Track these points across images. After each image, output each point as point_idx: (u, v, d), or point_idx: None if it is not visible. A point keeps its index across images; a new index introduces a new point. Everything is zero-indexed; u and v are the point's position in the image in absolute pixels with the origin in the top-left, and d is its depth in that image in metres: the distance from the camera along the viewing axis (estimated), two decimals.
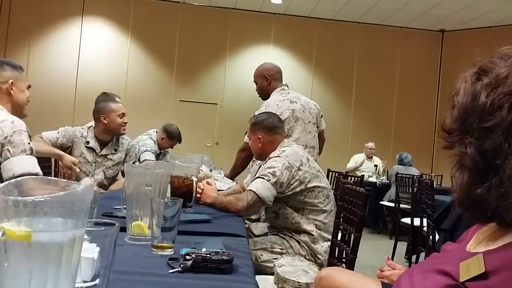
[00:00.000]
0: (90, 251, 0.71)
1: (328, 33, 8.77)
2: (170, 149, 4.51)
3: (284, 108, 2.93)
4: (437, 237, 2.70)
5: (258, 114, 2.40)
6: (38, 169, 1.90)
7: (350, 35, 8.84)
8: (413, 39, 8.95)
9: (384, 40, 8.89)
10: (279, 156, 2.12)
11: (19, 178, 0.60)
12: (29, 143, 1.90)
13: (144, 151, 4.03)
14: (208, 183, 2.24)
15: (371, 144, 7.32)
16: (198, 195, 2.09)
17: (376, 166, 7.25)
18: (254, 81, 3.20)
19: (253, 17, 8.63)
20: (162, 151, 4.41)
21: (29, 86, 2.14)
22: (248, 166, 3.26)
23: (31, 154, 1.91)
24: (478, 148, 0.71)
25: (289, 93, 3.08)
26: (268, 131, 2.28)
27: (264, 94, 3.16)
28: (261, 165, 2.28)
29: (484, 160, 0.71)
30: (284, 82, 3.19)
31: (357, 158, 7.38)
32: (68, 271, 0.58)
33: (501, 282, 0.66)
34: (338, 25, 8.79)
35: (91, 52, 8.23)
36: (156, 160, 4.04)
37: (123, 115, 3.01)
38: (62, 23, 8.22)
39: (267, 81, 3.10)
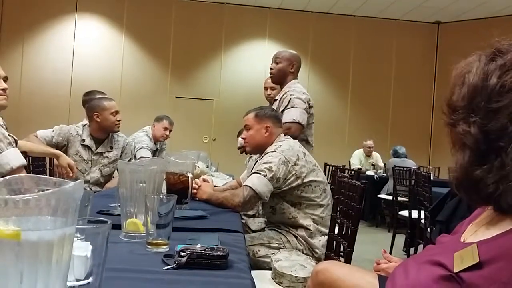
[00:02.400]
0: (83, 249, 0.71)
1: (324, 27, 8.75)
2: (166, 140, 4.46)
3: (309, 100, 2.92)
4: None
5: (260, 106, 2.38)
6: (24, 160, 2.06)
7: (346, 29, 8.83)
8: (409, 32, 8.94)
9: (379, 33, 8.88)
10: (275, 151, 2.11)
11: (8, 177, 0.59)
12: (9, 135, 1.99)
13: (140, 148, 4.02)
14: (205, 180, 2.23)
15: (369, 143, 7.27)
16: (195, 191, 2.08)
17: (374, 165, 7.25)
18: (276, 60, 3.05)
19: (248, 12, 8.60)
20: (158, 148, 4.39)
21: None
22: (245, 162, 3.25)
23: (16, 145, 2.03)
24: (482, 128, 0.71)
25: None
26: (277, 121, 2.28)
27: (280, 77, 3.05)
28: (257, 161, 2.28)
29: (487, 140, 0.71)
30: None
31: (358, 154, 7.38)
32: (59, 269, 0.58)
33: (495, 271, 0.66)
34: (333, 19, 8.77)
35: (85, 50, 8.20)
36: (152, 157, 4.02)
37: (116, 113, 2.99)
38: (56, 20, 8.17)
39: (291, 68, 3.01)
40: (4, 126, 1.99)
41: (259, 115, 2.26)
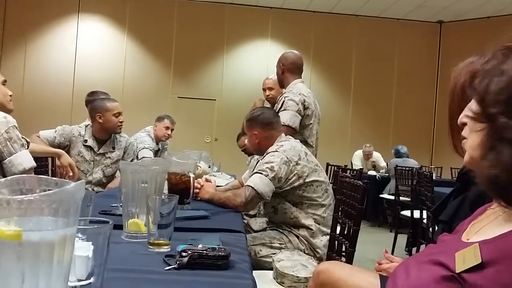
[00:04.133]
0: (85, 249, 0.71)
1: (326, 27, 8.74)
2: (168, 140, 4.45)
3: (311, 100, 2.89)
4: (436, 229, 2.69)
5: (253, 110, 2.38)
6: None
7: (348, 28, 8.82)
8: (411, 31, 8.93)
9: (382, 33, 8.86)
10: (277, 151, 2.11)
11: (9, 177, 0.60)
12: (22, 137, 2.06)
13: (142, 148, 4.01)
14: (207, 180, 2.23)
15: (367, 149, 7.26)
16: (197, 191, 2.08)
17: (374, 166, 7.24)
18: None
19: (250, 12, 8.60)
20: (160, 148, 4.39)
21: (5, 81, 2.14)
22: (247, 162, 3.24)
23: (28, 147, 2.09)
24: None
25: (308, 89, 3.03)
26: (264, 126, 2.25)
27: (280, 82, 3.07)
28: (259, 160, 2.28)
29: None
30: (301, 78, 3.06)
31: (359, 155, 7.37)
32: (60, 270, 0.58)
33: (498, 273, 0.65)
34: (335, 18, 8.76)
35: (88, 50, 8.22)
36: (154, 157, 4.02)
37: (119, 114, 2.98)
38: (59, 21, 8.19)
39: (281, 70, 3.01)
40: (17, 129, 2.02)
41: (248, 123, 2.29)
